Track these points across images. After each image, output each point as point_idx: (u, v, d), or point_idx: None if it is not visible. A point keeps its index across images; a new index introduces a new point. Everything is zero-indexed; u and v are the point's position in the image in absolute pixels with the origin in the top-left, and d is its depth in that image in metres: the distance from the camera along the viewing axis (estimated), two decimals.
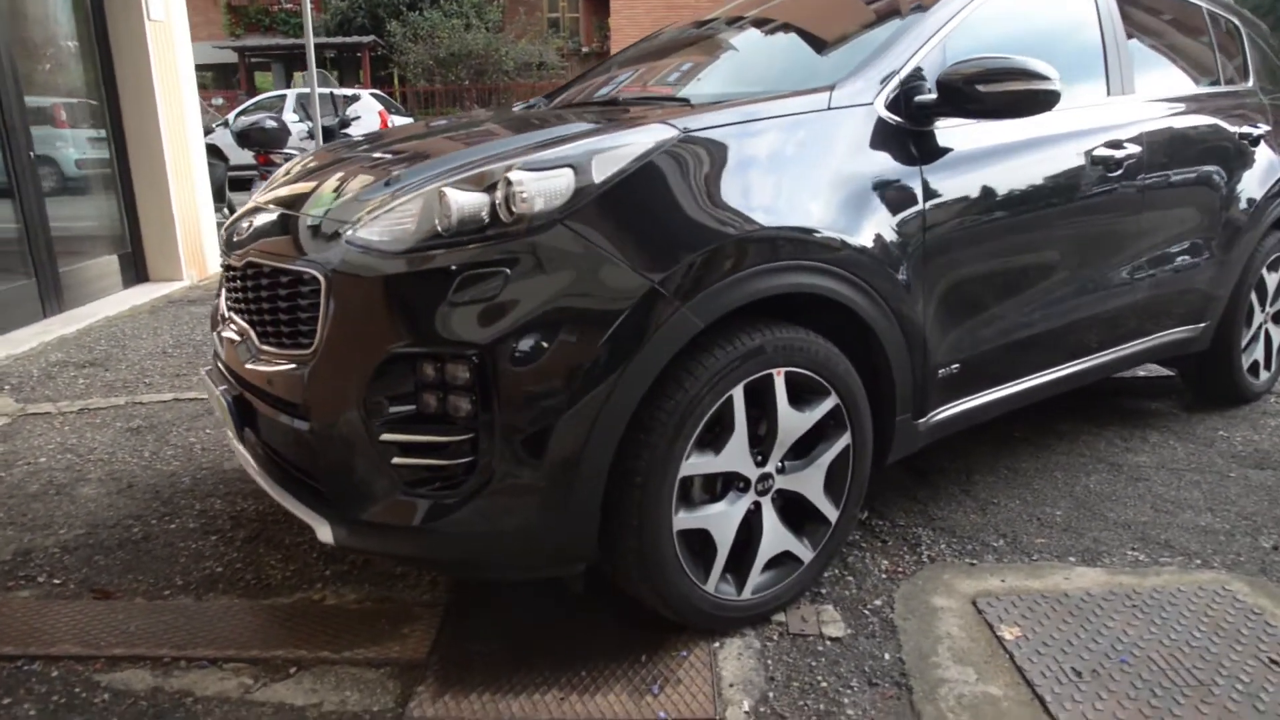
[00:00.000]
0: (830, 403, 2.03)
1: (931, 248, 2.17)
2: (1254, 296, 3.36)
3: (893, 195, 2.10)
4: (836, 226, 1.97)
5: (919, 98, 2.17)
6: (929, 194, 2.16)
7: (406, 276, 1.71)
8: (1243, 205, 3.15)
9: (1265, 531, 2.52)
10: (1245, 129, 3.16)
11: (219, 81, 23.04)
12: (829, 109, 2.07)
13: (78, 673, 1.93)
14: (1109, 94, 2.75)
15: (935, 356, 2.25)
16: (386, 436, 1.72)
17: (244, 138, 6.43)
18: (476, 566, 1.88)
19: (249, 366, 2.02)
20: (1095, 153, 2.57)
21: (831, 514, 2.13)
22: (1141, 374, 3.91)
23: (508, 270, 1.68)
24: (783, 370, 1.93)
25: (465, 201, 1.72)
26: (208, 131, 8.91)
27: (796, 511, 2.10)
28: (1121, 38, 2.81)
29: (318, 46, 20.89)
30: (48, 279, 4.89)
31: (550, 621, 2.09)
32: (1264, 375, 3.58)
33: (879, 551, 2.41)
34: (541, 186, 1.71)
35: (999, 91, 2.11)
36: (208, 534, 2.54)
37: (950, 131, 2.24)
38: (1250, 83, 3.42)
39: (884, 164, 2.10)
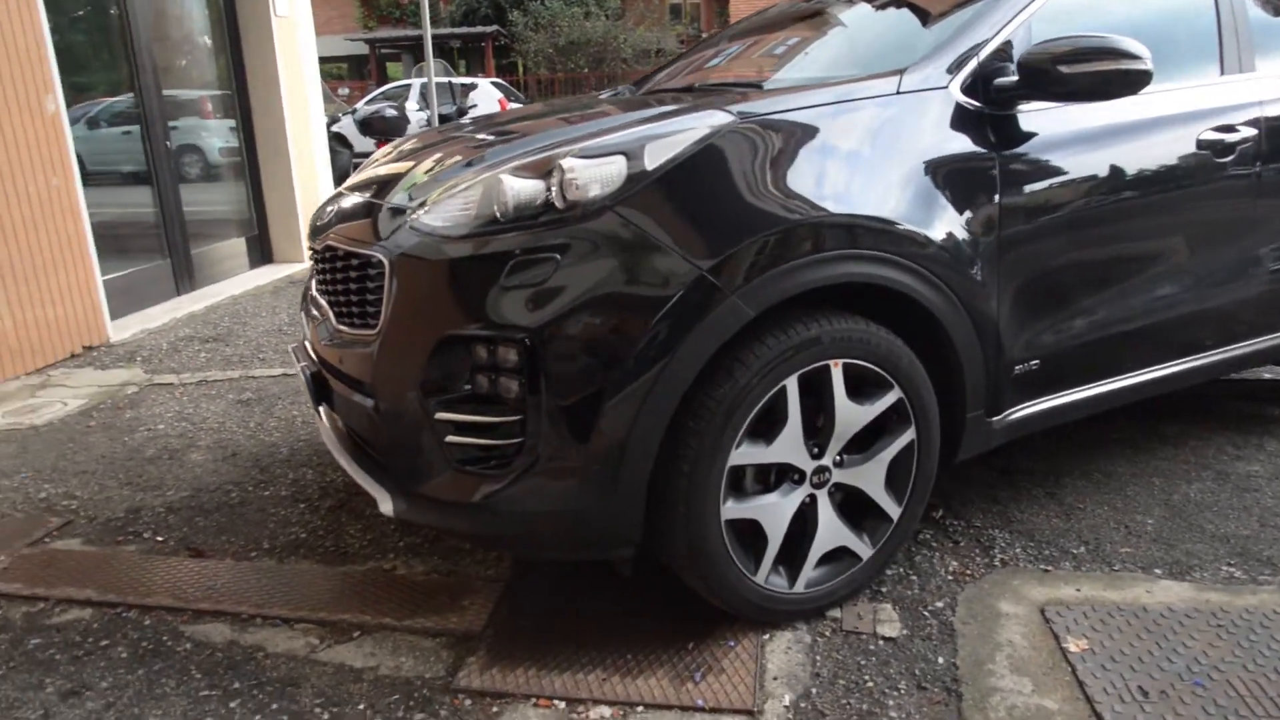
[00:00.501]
0: (893, 396, 1.98)
1: (1007, 239, 2.07)
2: None
3: (964, 183, 2.01)
4: (897, 215, 1.90)
5: (999, 80, 2.08)
6: (1006, 182, 2.06)
7: (461, 261, 1.76)
8: None
9: None
10: None
11: (352, 72, 24.16)
12: (898, 93, 2.00)
13: (167, 623, 2.09)
14: (1223, 72, 2.55)
15: (1011, 352, 2.15)
16: (441, 415, 1.78)
17: (365, 126, 6.74)
18: (527, 544, 1.93)
19: (325, 345, 2.13)
20: (1201, 137, 2.39)
21: (894, 511, 2.07)
22: (1267, 375, 3.62)
23: (558, 256, 1.71)
24: (840, 362, 1.89)
25: (521, 188, 1.76)
26: (334, 121, 9.36)
27: (856, 507, 2.06)
28: (1242, 10, 2.60)
29: (443, 37, 21.58)
30: (181, 260, 5.26)
31: (604, 603, 2.12)
32: None
33: (949, 552, 2.33)
34: (594, 173, 1.73)
35: (1083, 72, 1.99)
36: (297, 502, 2.69)
37: (1036, 115, 2.13)
38: None
39: (956, 150, 2.01)
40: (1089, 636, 1.95)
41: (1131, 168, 2.28)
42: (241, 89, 5.57)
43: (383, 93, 13.94)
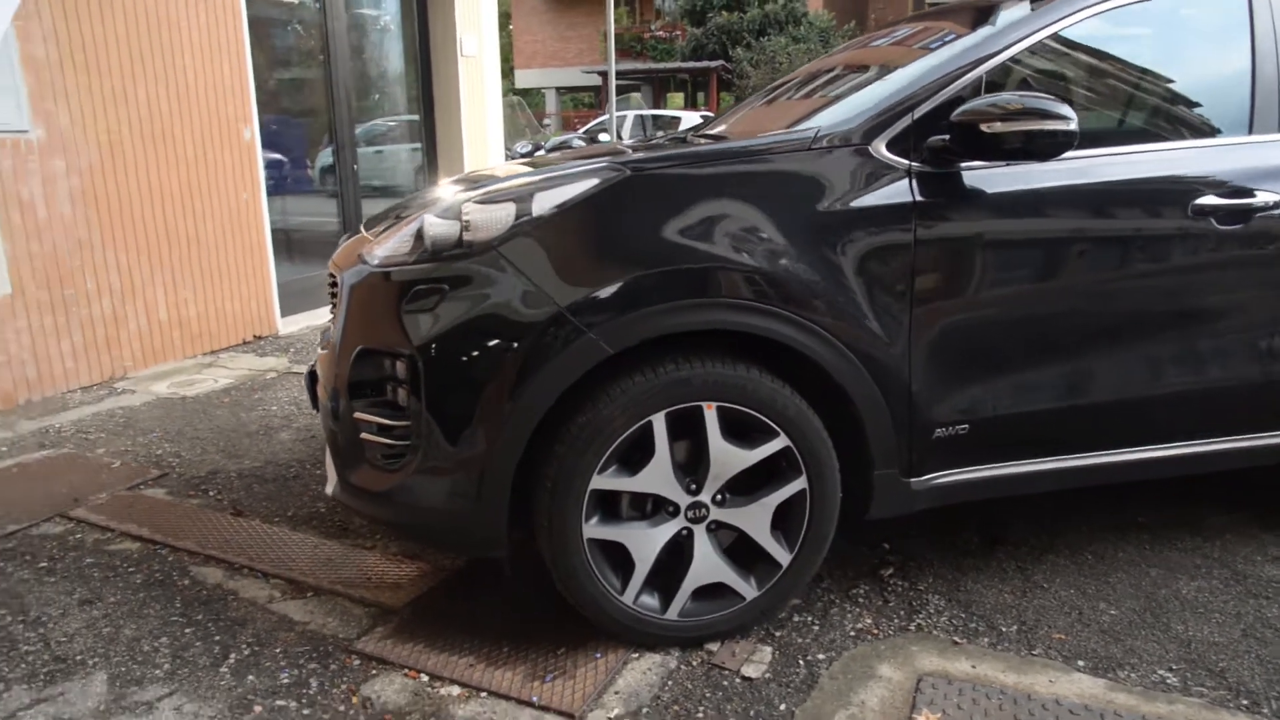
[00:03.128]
0: (778, 444, 2.04)
1: (921, 298, 2.06)
2: None
3: (873, 242, 2.04)
4: (776, 267, 1.97)
5: (932, 139, 2.08)
6: (924, 243, 2.06)
7: (380, 287, 2.07)
8: None
9: None
10: None
11: (595, 102, 25.81)
12: (809, 149, 2.06)
13: (183, 562, 2.57)
14: (1251, 131, 2.32)
15: (929, 413, 2.13)
16: (358, 415, 2.10)
17: (552, 153, 7.35)
18: (421, 535, 2.20)
19: (319, 351, 2.52)
20: (1198, 202, 2.21)
21: (782, 557, 2.12)
22: None
23: (446, 287, 1.97)
24: (714, 405, 1.99)
25: (441, 228, 2.04)
26: (537, 148, 10.14)
27: (747, 548, 2.13)
28: None
29: (672, 70, 22.50)
30: None
31: (523, 604, 2.33)
32: None
33: (871, 609, 2.31)
34: (487, 217, 1.98)
35: (1006, 132, 1.96)
36: None
37: (979, 174, 2.10)
38: None
39: (867, 207, 2.04)
40: (947, 712, 1.90)
41: (1082, 234, 2.17)
42: (429, 116, 6.34)
43: (599, 123, 14.86)
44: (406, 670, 2.07)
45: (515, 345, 1.91)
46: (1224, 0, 2.40)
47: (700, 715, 1.92)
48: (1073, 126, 1.94)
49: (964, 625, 2.25)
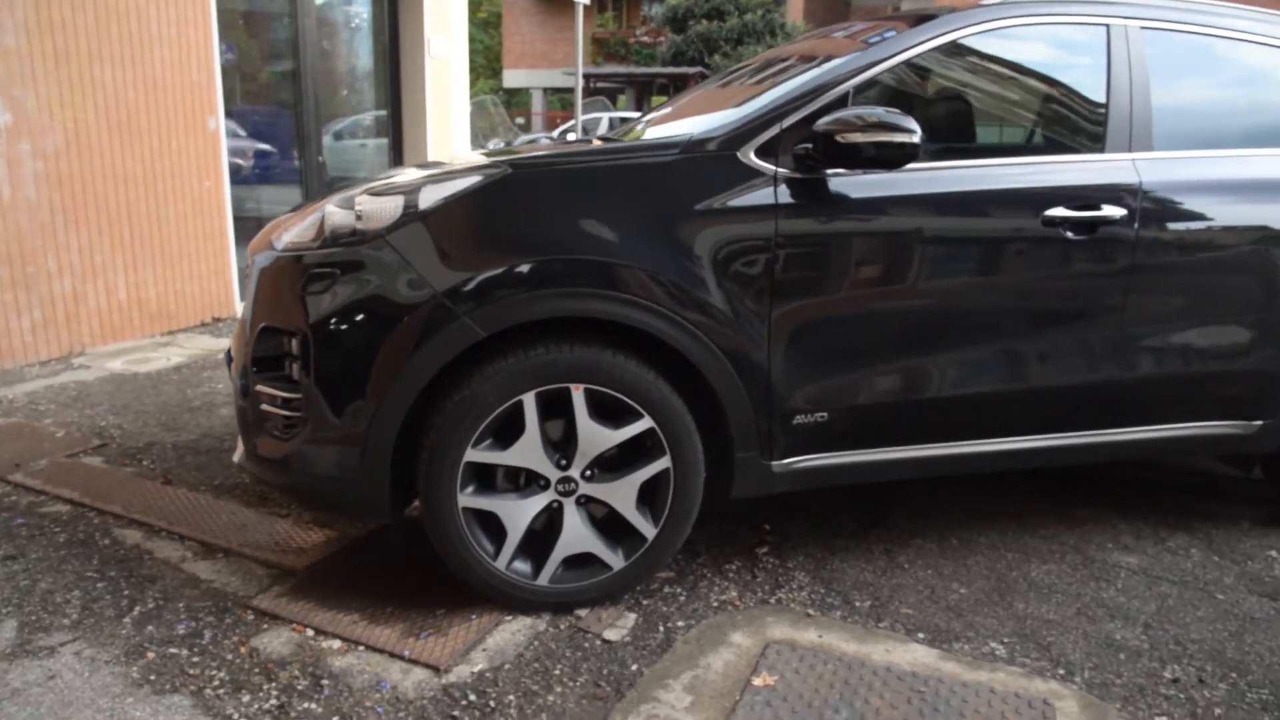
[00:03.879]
0: (643, 425, 2.20)
1: (782, 294, 2.23)
2: None
3: (737, 241, 2.20)
4: (640, 260, 2.13)
5: (799, 147, 2.25)
6: (785, 243, 2.22)
7: (281, 270, 2.24)
8: None
9: (1184, 662, 2.17)
10: None
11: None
12: (681, 154, 2.23)
13: (107, 525, 2.74)
14: (1106, 150, 2.49)
15: (789, 401, 2.29)
16: (259, 388, 2.27)
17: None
18: (315, 500, 2.37)
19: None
20: (1049, 214, 2.37)
21: (648, 531, 2.29)
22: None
23: (338, 271, 2.14)
24: (581, 386, 2.16)
25: (339, 218, 2.21)
26: (508, 145, 10.34)
27: (617, 521, 2.30)
28: (1144, 88, 2.52)
29: (652, 75, 22.71)
30: None
31: (419, 570, 2.49)
32: None
33: (739, 584, 2.48)
34: (376, 209, 2.15)
35: (857, 142, 2.13)
36: None
37: (837, 181, 2.27)
38: None
39: (732, 208, 2.21)
40: (783, 675, 2.06)
41: (943, 240, 2.34)
42: (396, 113, 6.51)
43: (571, 125, 15.06)
44: (295, 625, 2.24)
45: (395, 327, 2.08)
46: (1087, 36, 2.57)
47: (556, 671, 2.09)
48: (916, 139, 2.11)
49: (821, 600, 2.41)
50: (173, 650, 2.13)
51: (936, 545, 2.73)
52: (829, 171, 2.27)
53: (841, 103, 2.31)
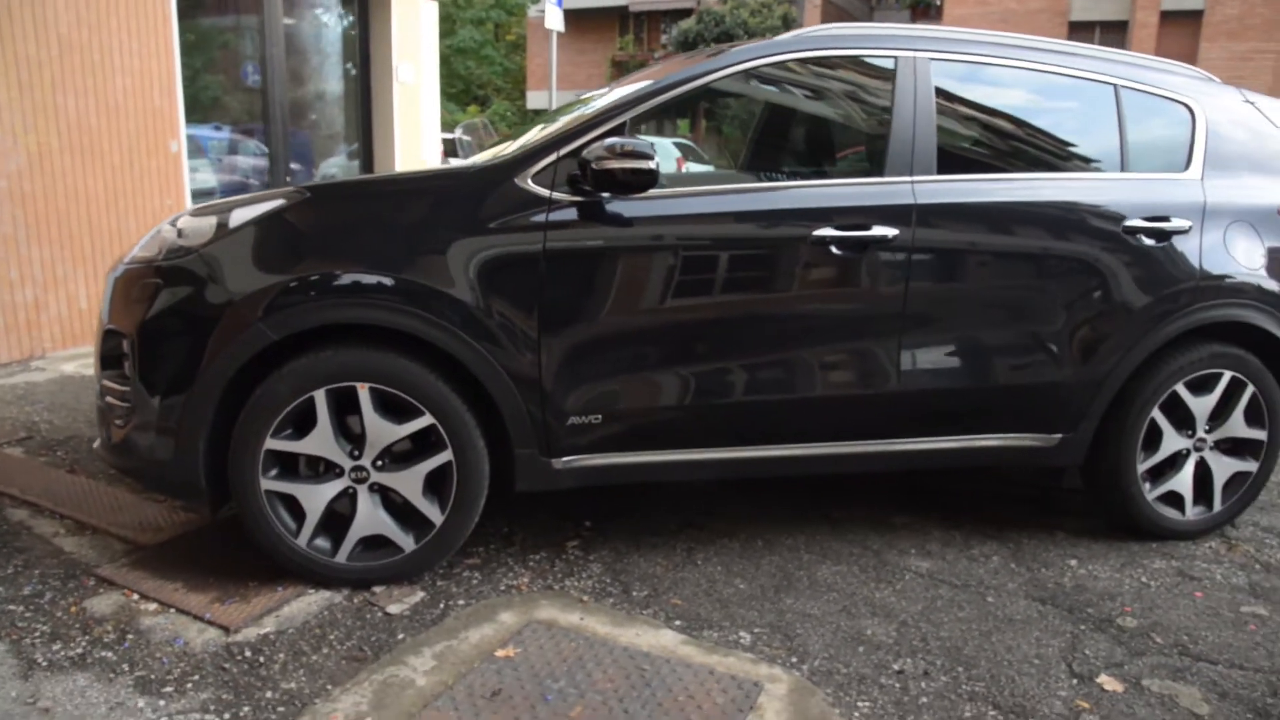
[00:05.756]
0: (424, 421, 2.46)
1: (549, 305, 2.47)
2: (1161, 416, 2.92)
3: (508, 257, 2.46)
4: (427, 276, 2.40)
5: (571, 173, 2.50)
6: (550, 259, 2.47)
7: (119, 280, 2.56)
8: (1118, 311, 2.81)
9: (919, 656, 2.34)
10: (1141, 222, 2.79)
11: None
12: (467, 178, 2.51)
13: (1, 504, 3.08)
14: (885, 174, 2.68)
15: (563, 404, 2.53)
16: (103, 382, 2.59)
17: None
18: (149, 484, 2.67)
19: None
20: (819, 233, 2.58)
21: (435, 517, 2.54)
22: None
23: (161, 281, 2.45)
24: (366, 385, 2.43)
25: (168, 235, 2.52)
26: None
27: (408, 508, 2.55)
28: (929, 116, 2.71)
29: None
30: None
31: (253, 546, 2.77)
32: (1192, 510, 3.03)
33: (537, 571, 2.71)
34: (195, 227, 2.47)
35: (605, 169, 2.38)
36: None
37: (607, 204, 2.50)
38: (1189, 171, 2.92)
39: (505, 228, 2.46)
40: (526, 649, 2.29)
41: (708, 257, 2.56)
42: (367, 137, 6.91)
43: None
44: (125, 590, 2.54)
45: (201, 330, 2.38)
46: (877, 68, 2.78)
47: (331, 637, 2.35)
48: (653, 165, 2.36)
49: (603, 588, 2.63)
50: (11, 607, 2.44)
51: (741, 545, 2.93)
52: (596, 197, 2.50)
53: (619, 131, 2.55)
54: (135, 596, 2.51)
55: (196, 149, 6.31)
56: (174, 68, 5.16)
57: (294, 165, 6.29)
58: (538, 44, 23.29)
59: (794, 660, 2.32)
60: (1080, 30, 18.13)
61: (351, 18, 6.71)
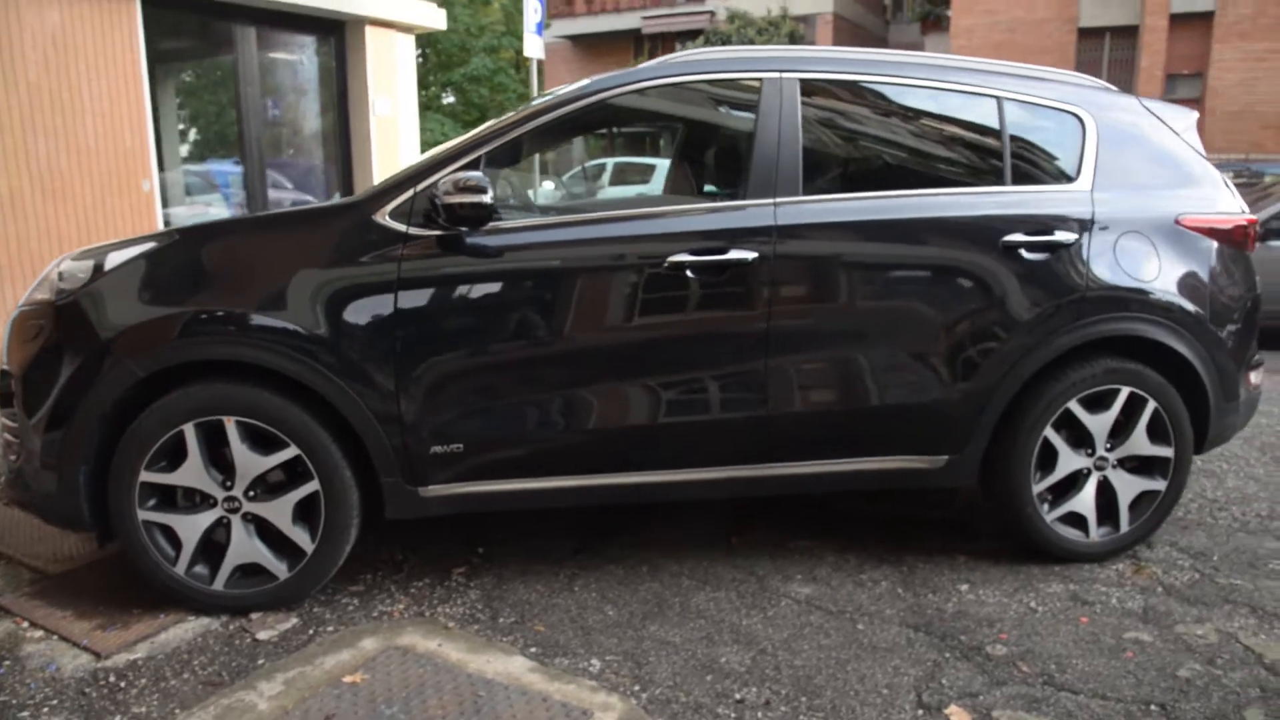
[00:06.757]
0: (290, 452, 2.56)
1: (403, 339, 2.55)
2: (1055, 435, 2.89)
3: (365, 290, 2.54)
4: (287, 314, 2.50)
5: (426, 208, 2.57)
6: (406, 290, 2.54)
7: (13, 321, 2.70)
8: (999, 328, 2.79)
9: (765, 685, 2.35)
10: (1021, 236, 2.77)
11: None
12: (325, 216, 2.61)
13: None
14: (748, 196, 2.72)
15: (423, 434, 2.60)
16: (2, 418, 2.73)
17: None
18: (44, 516, 2.79)
19: None
20: (675, 259, 2.62)
21: (306, 545, 2.62)
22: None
23: (43, 323, 2.58)
24: (232, 419, 2.52)
25: (52, 277, 2.66)
26: None
27: (281, 536, 2.64)
28: (793, 137, 2.74)
29: None
30: None
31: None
32: (1097, 532, 2.99)
33: (415, 598, 2.78)
34: (73, 269, 2.60)
35: (445, 204, 2.46)
36: None
37: (464, 238, 2.57)
38: (1078, 183, 2.89)
39: (361, 264, 2.55)
40: (374, 675, 2.36)
41: (562, 288, 2.62)
42: (347, 170, 7.12)
43: (584, 169, 15.60)
44: (17, 619, 2.67)
45: (74, 369, 2.50)
46: (740, 91, 2.82)
47: (195, 663, 2.44)
48: (488, 199, 2.43)
49: (472, 615, 2.69)
50: None
51: (625, 572, 2.96)
52: (454, 231, 2.57)
53: (475, 166, 2.63)
54: (25, 624, 2.63)
55: (210, 185, 6.59)
56: (144, 109, 5.40)
57: (307, 197, 6.52)
58: (554, 67, 23.65)
59: (636, 689, 2.35)
60: (1090, 36, 17.79)
61: (327, 53, 6.94)
